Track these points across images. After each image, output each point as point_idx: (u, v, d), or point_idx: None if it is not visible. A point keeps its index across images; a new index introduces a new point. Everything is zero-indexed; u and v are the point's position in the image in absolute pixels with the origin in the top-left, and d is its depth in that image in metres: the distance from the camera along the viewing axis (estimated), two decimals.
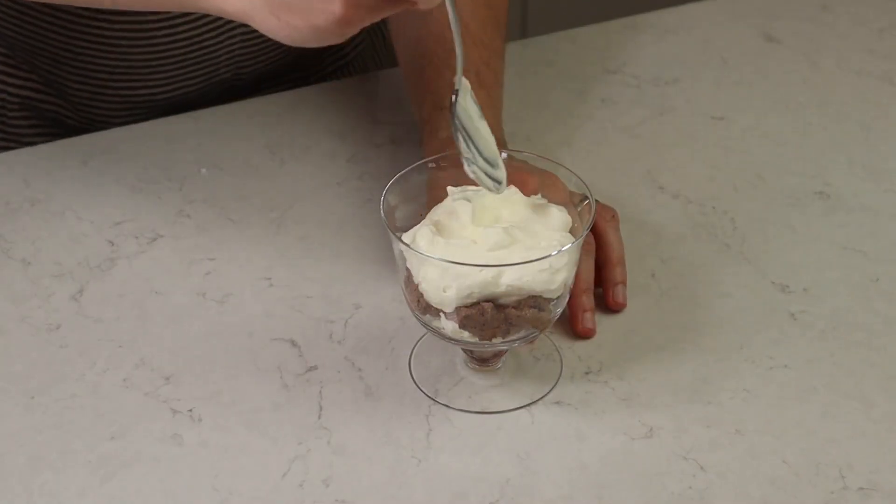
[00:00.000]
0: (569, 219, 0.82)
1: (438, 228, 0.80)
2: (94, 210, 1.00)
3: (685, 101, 1.15)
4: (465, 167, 0.80)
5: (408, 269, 0.81)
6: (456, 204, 0.81)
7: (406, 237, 0.80)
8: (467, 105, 0.79)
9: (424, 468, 0.79)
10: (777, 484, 0.78)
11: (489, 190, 0.80)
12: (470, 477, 0.78)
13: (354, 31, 0.74)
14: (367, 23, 0.74)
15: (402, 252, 0.80)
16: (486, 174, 0.80)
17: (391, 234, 0.79)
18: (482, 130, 0.80)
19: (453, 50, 1.01)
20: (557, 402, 0.84)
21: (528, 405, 0.84)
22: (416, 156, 0.90)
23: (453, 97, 0.79)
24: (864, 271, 0.95)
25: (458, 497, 0.77)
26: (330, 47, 1.22)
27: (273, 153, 1.07)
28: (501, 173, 0.80)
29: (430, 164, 0.86)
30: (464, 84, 0.79)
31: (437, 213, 0.82)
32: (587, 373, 0.86)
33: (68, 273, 0.94)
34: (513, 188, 0.83)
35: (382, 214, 0.80)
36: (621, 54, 1.21)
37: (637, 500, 0.77)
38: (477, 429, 0.82)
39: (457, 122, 0.79)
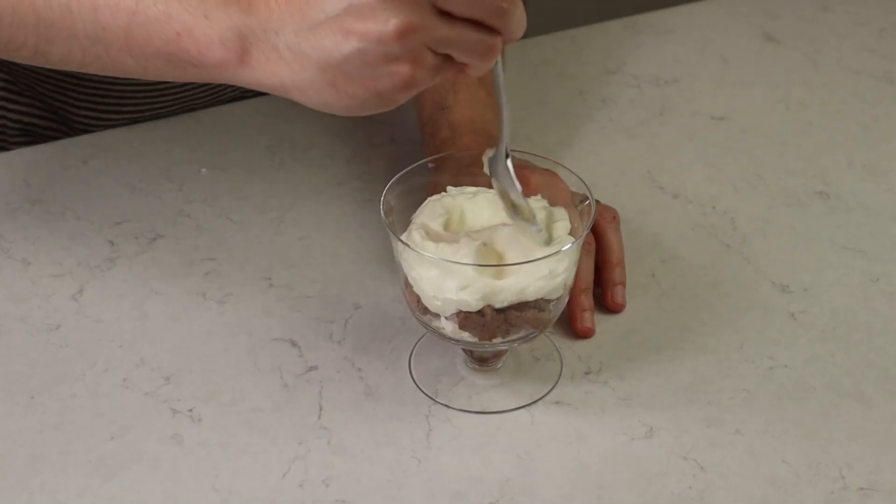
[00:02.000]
0: (568, 225, 0.82)
1: (427, 232, 0.80)
2: (94, 210, 1.00)
3: (685, 101, 1.15)
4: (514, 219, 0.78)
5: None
6: (436, 205, 0.82)
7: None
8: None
9: (424, 468, 0.79)
10: (777, 484, 0.78)
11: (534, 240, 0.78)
12: (470, 477, 0.78)
13: (412, 94, 0.72)
14: (428, 85, 0.71)
15: (401, 252, 0.80)
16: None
17: (391, 234, 0.79)
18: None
19: None
20: (557, 402, 0.84)
21: (528, 405, 0.84)
22: (416, 156, 0.90)
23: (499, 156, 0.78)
24: (864, 271, 0.95)
25: (458, 497, 0.77)
26: None
27: (273, 153, 1.07)
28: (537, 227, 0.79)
29: (430, 165, 0.86)
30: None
31: (422, 215, 0.82)
32: (587, 373, 0.86)
33: (68, 273, 0.94)
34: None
35: (382, 214, 0.80)
36: (621, 54, 1.21)
37: (637, 500, 0.77)
38: (477, 429, 0.82)
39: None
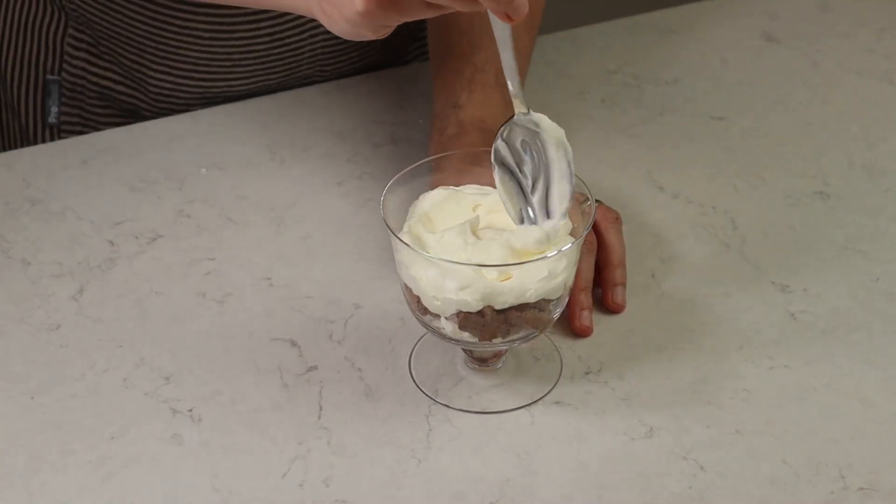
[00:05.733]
0: (569, 224, 0.82)
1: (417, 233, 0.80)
2: (94, 210, 1.00)
3: (685, 101, 1.15)
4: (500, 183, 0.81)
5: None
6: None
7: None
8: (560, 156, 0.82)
9: (424, 468, 0.79)
10: (777, 484, 0.78)
11: (514, 220, 0.81)
12: (470, 477, 0.78)
13: (381, 25, 0.76)
14: (392, 19, 0.76)
15: (401, 252, 0.80)
16: (532, 212, 0.81)
17: (391, 234, 0.79)
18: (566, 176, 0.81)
19: (477, 46, 1.01)
20: (557, 402, 0.84)
21: (528, 405, 0.84)
22: (416, 156, 0.90)
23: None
24: (864, 271, 0.95)
25: (458, 497, 0.77)
26: (401, 48, 1.22)
27: (273, 153, 1.07)
28: (547, 231, 0.80)
29: (431, 164, 0.86)
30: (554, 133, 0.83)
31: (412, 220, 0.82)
32: (587, 373, 0.86)
33: (68, 273, 0.94)
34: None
35: (382, 214, 0.80)
36: (621, 54, 1.21)
37: (637, 500, 0.77)
38: (477, 429, 0.82)
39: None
